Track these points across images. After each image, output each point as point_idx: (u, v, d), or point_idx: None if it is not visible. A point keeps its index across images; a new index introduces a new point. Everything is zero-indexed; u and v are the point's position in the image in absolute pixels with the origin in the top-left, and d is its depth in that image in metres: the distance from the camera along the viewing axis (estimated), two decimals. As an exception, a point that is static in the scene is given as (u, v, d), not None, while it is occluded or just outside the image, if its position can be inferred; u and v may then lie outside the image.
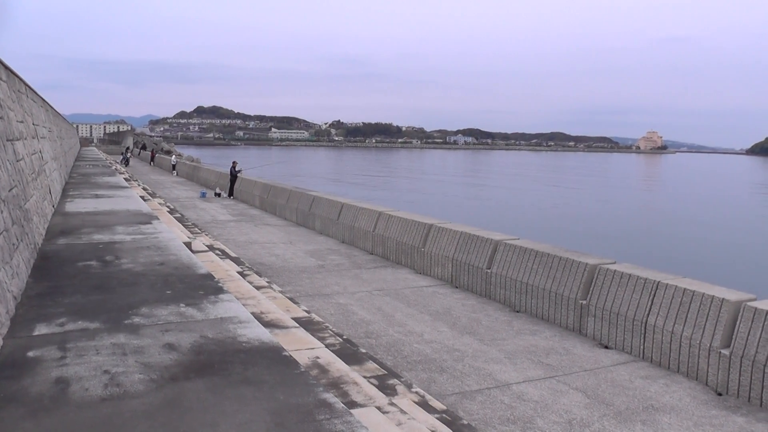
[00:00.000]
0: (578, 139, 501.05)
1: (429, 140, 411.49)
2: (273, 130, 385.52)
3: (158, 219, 11.38)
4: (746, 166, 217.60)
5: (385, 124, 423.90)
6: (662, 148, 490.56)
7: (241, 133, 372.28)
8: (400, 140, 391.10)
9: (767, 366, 7.09)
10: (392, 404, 5.18)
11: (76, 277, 6.54)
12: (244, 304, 6.24)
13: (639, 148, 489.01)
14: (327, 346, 6.55)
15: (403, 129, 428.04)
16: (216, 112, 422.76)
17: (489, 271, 11.46)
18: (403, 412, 5.06)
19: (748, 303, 7.57)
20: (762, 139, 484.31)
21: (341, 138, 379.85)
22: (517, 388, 7.31)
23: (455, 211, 46.76)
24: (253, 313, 6.02)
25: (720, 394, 7.51)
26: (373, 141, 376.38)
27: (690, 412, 6.95)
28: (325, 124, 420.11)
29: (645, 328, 8.53)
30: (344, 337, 7.95)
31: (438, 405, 5.95)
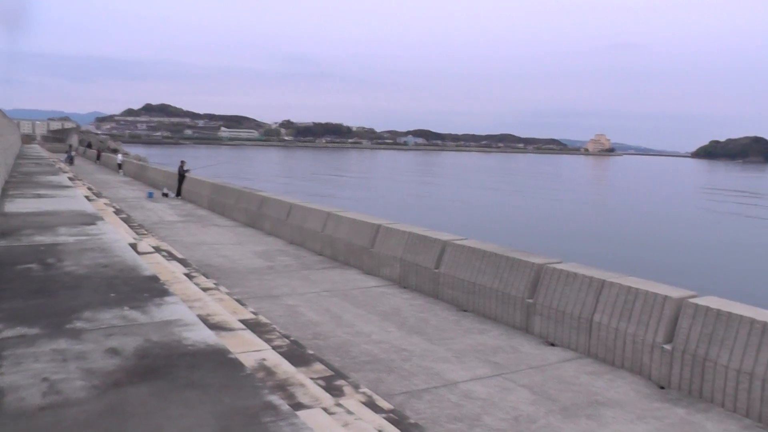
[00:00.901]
0: (527, 141, 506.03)
1: (379, 141, 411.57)
2: (223, 129, 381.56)
3: (103, 220, 11.21)
4: (691, 169, 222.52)
5: (336, 124, 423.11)
6: (610, 151, 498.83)
7: (190, 132, 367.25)
8: (350, 140, 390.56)
9: (707, 360, 7.32)
10: (339, 405, 5.18)
11: (15, 281, 6.40)
12: (190, 307, 6.18)
13: (587, 150, 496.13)
14: (274, 348, 6.53)
15: (354, 129, 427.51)
16: (165, 110, 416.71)
17: (437, 271, 11.53)
18: (349, 412, 5.07)
19: (690, 300, 7.81)
20: (707, 142, 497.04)
21: (291, 138, 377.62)
22: (465, 386, 7.37)
23: (404, 212, 46.92)
24: (199, 316, 5.97)
25: (662, 388, 7.71)
26: (324, 141, 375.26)
27: (633, 405, 7.12)
28: (276, 123, 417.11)
29: (591, 325, 8.68)
30: (292, 338, 7.91)
31: (385, 405, 5.97)
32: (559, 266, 9.54)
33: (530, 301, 9.61)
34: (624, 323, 8.31)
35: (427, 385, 7.34)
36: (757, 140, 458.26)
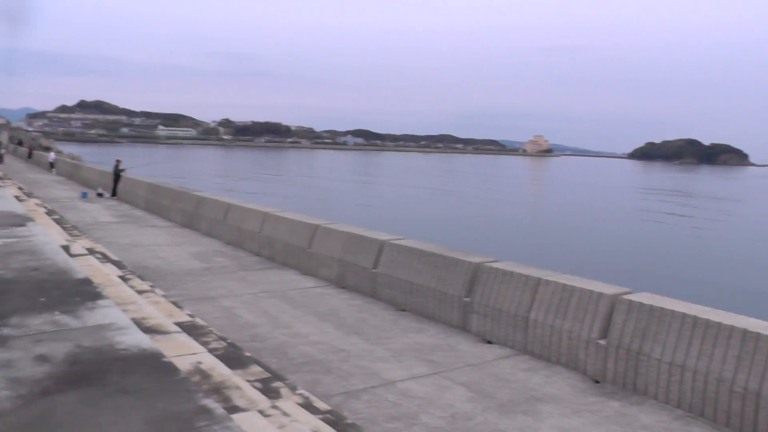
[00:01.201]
0: (466, 142, 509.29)
1: (318, 140, 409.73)
2: (160, 127, 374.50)
3: (34, 221, 10.95)
4: (627, 169, 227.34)
5: (275, 123, 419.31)
6: (548, 152, 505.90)
7: (126, 130, 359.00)
8: (289, 140, 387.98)
9: (641, 354, 7.51)
10: (275, 407, 5.16)
11: (-61, 286, 6.22)
12: (124, 310, 6.08)
13: (526, 151, 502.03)
14: (210, 350, 6.47)
15: (293, 129, 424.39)
16: (100, 107, 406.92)
17: (375, 271, 11.55)
18: (285, 414, 5.06)
19: (624, 296, 8.01)
20: (642, 144, 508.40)
21: (230, 137, 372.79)
22: (403, 385, 7.41)
23: (343, 212, 46.88)
24: (133, 319, 5.88)
25: (597, 382, 7.88)
26: (263, 140, 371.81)
27: (569, 400, 7.26)
28: (214, 122, 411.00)
29: (527, 322, 8.80)
30: (229, 341, 7.84)
31: (322, 406, 5.96)
32: (495, 265, 9.65)
33: (467, 299, 9.70)
34: (560, 320, 8.45)
35: (365, 385, 7.35)
36: (692, 142, 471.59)
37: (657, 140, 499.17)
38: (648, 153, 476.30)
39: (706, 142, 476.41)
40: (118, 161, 30.99)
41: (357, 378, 7.55)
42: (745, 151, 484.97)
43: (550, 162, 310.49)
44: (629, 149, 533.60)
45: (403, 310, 10.77)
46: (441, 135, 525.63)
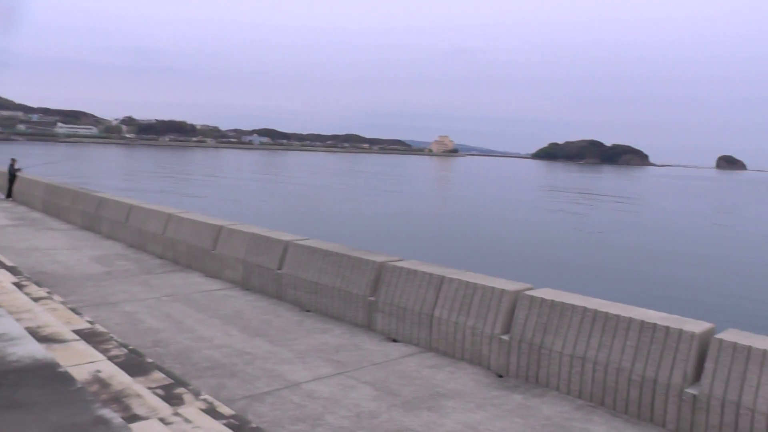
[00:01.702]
0: (373, 141, 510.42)
1: (224, 140, 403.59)
2: (59, 124, 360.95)
3: None
4: (531, 169, 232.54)
5: (179, 121, 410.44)
6: (453, 152, 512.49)
7: (23, 127, 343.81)
8: (194, 139, 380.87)
9: (542, 347, 7.75)
10: (177, 414, 5.09)
11: None
12: (18, 319, 5.90)
13: (431, 151, 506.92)
14: (110, 358, 6.33)
15: (198, 127, 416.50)
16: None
17: (280, 272, 11.50)
18: (187, 421, 4.99)
19: (526, 292, 8.23)
20: (546, 144, 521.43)
21: (133, 135, 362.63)
22: (308, 386, 7.40)
23: (248, 212, 46.45)
24: (28, 328, 5.71)
25: (501, 376, 8.07)
26: (167, 139, 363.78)
27: (473, 395, 7.40)
28: (116, 120, 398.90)
29: (431, 320, 8.93)
30: (130, 347, 7.69)
31: (226, 410, 5.91)
32: (399, 264, 9.74)
33: (372, 299, 9.76)
34: (463, 317, 8.60)
35: (269, 387, 7.31)
36: (594, 143, 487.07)
37: (560, 141, 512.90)
38: (551, 153, 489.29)
39: (608, 143, 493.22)
40: (13, 160, 29.80)
41: (262, 381, 7.51)
42: (646, 151, 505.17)
43: (456, 162, 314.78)
44: (533, 149, 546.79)
45: (308, 311, 10.76)
46: (347, 135, 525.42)
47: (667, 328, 6.93)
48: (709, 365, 6.56)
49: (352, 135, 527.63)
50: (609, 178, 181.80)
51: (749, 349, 6.34)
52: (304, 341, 9.10)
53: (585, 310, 7.56)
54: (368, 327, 9.82)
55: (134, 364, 6.59)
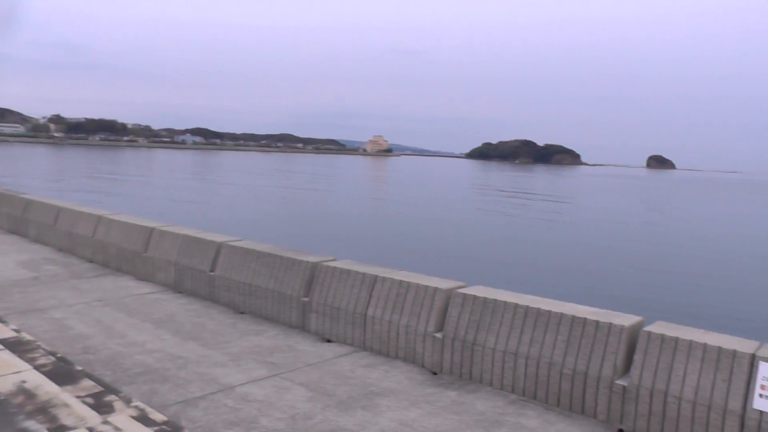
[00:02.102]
0: (307, 141, 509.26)
1: (156, 139, 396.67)
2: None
3: None
4: (465, 169, 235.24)
5: (110, 120, 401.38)
6: (388, 151, 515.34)
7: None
8: (125, 138, 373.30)
9: (475, 344, 7.83)
10: (107, 423, 5.01)
11: None
12: (-64, 330, 5.72)
13: (366, 150, 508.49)
14: (37, 367, 6.19)
15: (129, 126, 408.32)
16: None
17: (213, 274, 11.37)
18: (117, 429, 4.92)
19: (458, 290, 8.30)
20: (480, 144, 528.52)
21: (62, 134, 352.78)
22: (242, 389, 7.34)
23: (180, 214, 45.93)
24: (-53, 339, 5.54)
25: (435, 374, 8.13)
26: (97, 139, 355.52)
27: (407, 392, 7.43)
28: (44, 118, 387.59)
29: (365, 319, 8.94)
30: (59, 355, 7.53)
31: (159, 417, 5.84)
32: (333, 264, 9.74)
33: (306, 299, 9.73)
34: (397, 315, 8.64)
35: (203, 391, 7.22)
36: (526, 143, 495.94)
37: (494, 141, 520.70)
38: (485, 153, 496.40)
39: (541, 142, 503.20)
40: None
41: (195, 385, 7.41)
42: (577, 151, 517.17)
43: (390, 161, 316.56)
44: (467, 149, 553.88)
45: (242, 313, 10.67)
46: (281, 134, 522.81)
47: (597, 322, 7.10)
48: (638, 357, 6.76)
49: (287, 134, 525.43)
50: (541, 178, 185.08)
51: (676, 340, 6.56)
52: (238, 344, 9.02)
53: (517, 306, 7.69)
54: (302, 328, 9.79)
55: (62, 373, 6.46)
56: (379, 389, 7.51)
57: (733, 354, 6.26)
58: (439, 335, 8.21)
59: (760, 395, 6.03)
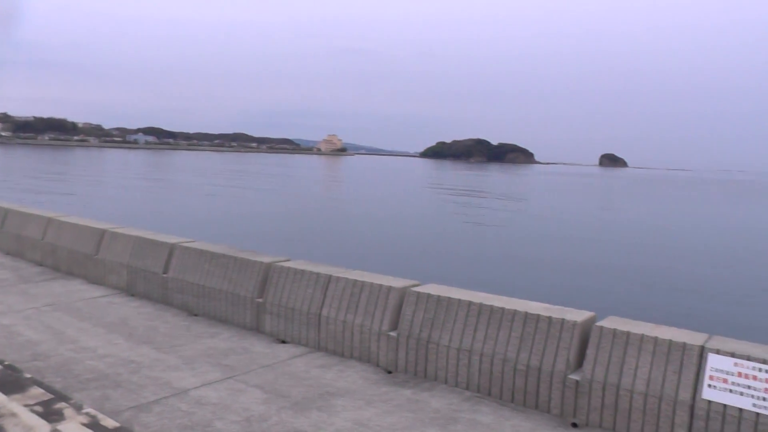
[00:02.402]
0: (261, 141, 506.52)
1: (107, 139, 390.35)
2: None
3: None
4: (419, 168, 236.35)
5: (59, 119, 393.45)
6: (342, 150, 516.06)
7: None
8: (76, 138, 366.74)
9: (430, 342, 7.88)
10: (56, 431, 4.93)
11: None
12: None
13: (320, 150, 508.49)
14: (-17, 375, 6.07)
15: (80, 126, 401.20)
16: None
17: (166, 275, 11.24)
18: (67, 438, 4.84)
19: (412, 288, 8.36)
20: (434, 143, 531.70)
21: (9, 134, 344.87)
22: (196, 393, 7.28)
23: (133, 215, 45.34)
24: None
25: (390, 372, 8.16)
26: (47, 138, 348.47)
27: (363, 392, 7.46)
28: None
29: (320, 320, 8.93)
30: (6, 363, 7.39)
31: (111, 423, 5.77)
32: (287, 264, 9.71)
33: (260, 300, 9.68)
34: (351, 315, 8.65)
35: (156, 396, 7.14)
36: (480, 142, 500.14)
37: (447, 140, 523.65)
38: (439, 152, 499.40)
39: (495, 141, 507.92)
40: None
41: (148, 390, 7.32)
42: (531, 150, 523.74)
43: (344, 161, 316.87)
44: (421, 148, 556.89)
45: (196, 315, 10.57)
46: (235, 134, 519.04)
47: (550, 318, 7.20)
48: (590, 351, 6.88)
49: (241, 134, 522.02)
50: (495, 176, 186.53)
51: (628, 334, 6.71)
52: (192, 347, 8.94)
53: (470, 303, 7.76)
54: (257, 329, 9.73)
55: (10, 381, 6.34)
56: (334, 389, 7.51)
57: (683, 346, 6.41)
58: (393, 334, 8.24)
59: (709, 385, 6.20)
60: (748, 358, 6.13)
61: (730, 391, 6.10)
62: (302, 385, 7.60)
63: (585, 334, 7.14)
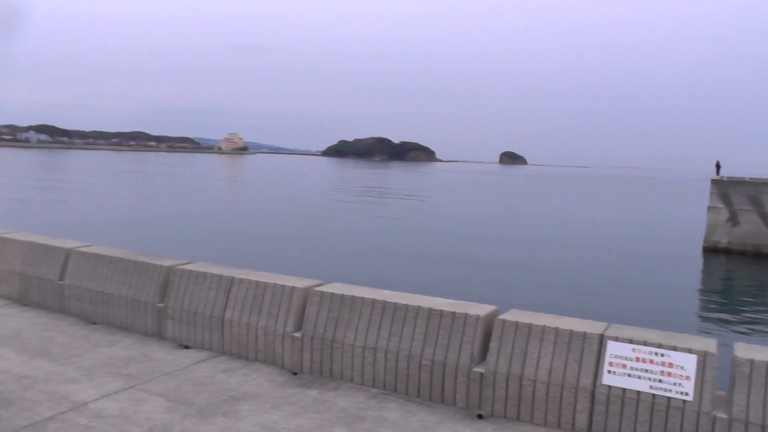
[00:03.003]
0: (160, 139, 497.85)
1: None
2: None
3: None
4: (321, 167, 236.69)
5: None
6: (243, 149, 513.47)
7: None
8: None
9: (335, 341, 7.90)
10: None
11: None
12: None
13: (221, 149, 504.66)
14: None
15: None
16: None
17: (62, 283, 10.83)
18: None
19: (316, 288, 8.36)
20: (336, 142, 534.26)
21: None
22: (96, 405, 7.04)
23: (25, 219, 43.80)
24: None
25: (295, 374, 8.13)
26: None
27: (268, 395, 7.39)
28: None
29: (223, 323, 8.80)
30: None
31: (3, 444, 5.52)
32: (188, 267, 9.51)
33: (161, 305, 9.45)
34: (255, 317, 8.56)
35: (53, 412, 6.87)
36: (382, 140, 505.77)
37: (350, 138, 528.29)
38: (341, 150, 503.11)
39: (396, 140, 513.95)
40: None
41: (44, 406, 7.03)
42: (432, 148, 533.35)
43: (245, 160, 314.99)
44: (323, 147, 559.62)
45: (94, 323, 10.21)
46: (134, 132, 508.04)
47: (454, 313, 7.33)
48: (493, 344, 7.05)
49: (139, 132, 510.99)
50: (396, 174, 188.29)
51: (530, 326, 6.92)
52: (91, 357, 8.64)
53: (374, 301, 7.81)
54: (159, 335, 9.50)
55: None
56: (239, 394, 7.41)
57: (584, 335, 6.66)
58: (298, 335, 8.21)
59: (609, 371, 6.47)
60: (645, 344, 6.39)
61: (629, 375, 6.38)
62: (207, 391, 7.46)
63: (488, 327, 7.30)
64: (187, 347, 9.07)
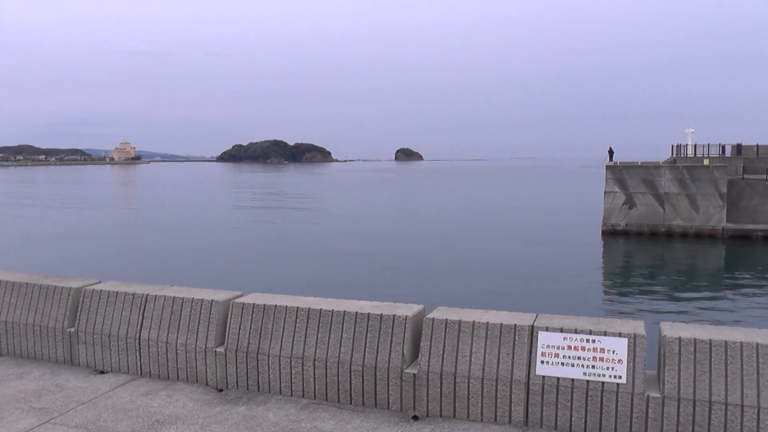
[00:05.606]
0: (49, 152, 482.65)
1: None
2: None
3: None
4: (216, 172, 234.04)
5: None
6: (136, 159, 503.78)
7: None
8: None
9: (260, 354, 7.68)
10: None
11: None
12: None
13: (113, 159, 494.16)
14: None
15: None
16: None
17: (-41, 315, 10.17)
18: None
19: (236, 300, 8.06)
20: (230, 147, 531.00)
21: None
22: (8, 446, 6.61)
23: None
24: None
25: (221, 390, 7.83)
26: None
27: (195, 416, 7.07)
28: None
29: (139, 343, 8.42)
30: None
31: None
32: (98, 287, 9.04)
33: (72, 329, 8.97)
34: (173, 334, 8.22)
35: (-40, 459, 6.40)
36: (277, 143, 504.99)
37: (244, 142, 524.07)
38: (236, 155, 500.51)
39: (291, 142, 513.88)
40: None
41: (-51, 453, 6.54)
42: (328, 148, 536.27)
43: (139, 169, 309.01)
44: (218, 152, 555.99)
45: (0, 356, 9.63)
46: (20, 146, 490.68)
47: (381, 315, 7.21)
48: (424, 344, 6.98)
49: (26, 146, 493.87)
50: (291, 176, 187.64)
51: (459, 322, 6.87)
52: (-2, 392, 8.10)
53: (298, 309, 7.62)
54: (71, 362, 8.99)
55: None
56: (164, 417, 7.07)
57: (514, 328, 6.64)
58: (221, 350, 7.93)
59: (542, 362, 6.47)
60: (575, 331, 6.40)
61: (562, 364, 6.38)
62: (129, 418, 7.08)
63: (417, 327, 7.22)
64: (102, 372, 8.62)
